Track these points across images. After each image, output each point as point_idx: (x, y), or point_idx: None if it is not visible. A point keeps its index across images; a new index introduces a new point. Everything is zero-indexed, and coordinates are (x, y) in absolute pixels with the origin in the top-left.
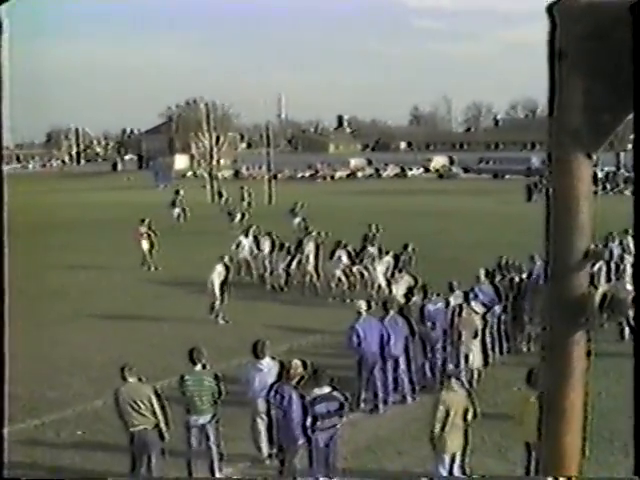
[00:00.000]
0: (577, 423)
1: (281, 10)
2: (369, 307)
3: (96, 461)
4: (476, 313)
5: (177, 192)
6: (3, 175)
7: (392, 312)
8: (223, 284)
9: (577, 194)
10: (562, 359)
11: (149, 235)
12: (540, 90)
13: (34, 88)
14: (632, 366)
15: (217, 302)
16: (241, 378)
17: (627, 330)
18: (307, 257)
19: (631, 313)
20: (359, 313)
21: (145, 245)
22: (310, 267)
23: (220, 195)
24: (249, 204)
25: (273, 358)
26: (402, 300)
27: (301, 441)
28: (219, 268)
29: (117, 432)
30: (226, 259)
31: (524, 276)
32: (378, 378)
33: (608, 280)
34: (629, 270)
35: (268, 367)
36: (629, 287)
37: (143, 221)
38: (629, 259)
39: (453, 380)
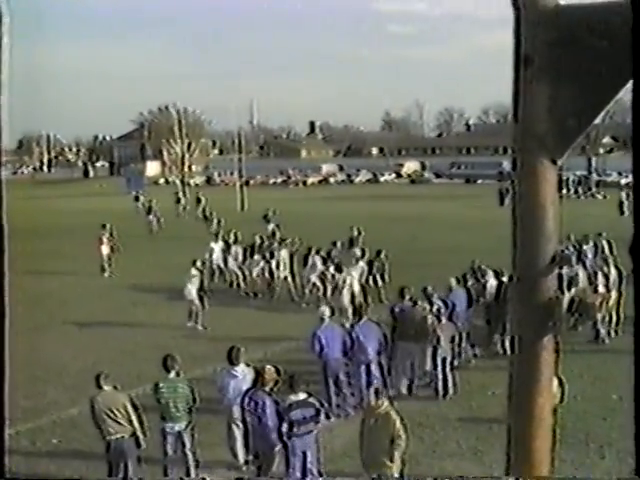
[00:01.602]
0: (546, 427)
1: (251, 16)
2: (332, 313)
3: (72, 469)
4: (446, 319)
5: (137, 199)
6: (2, 180)
7: (365, 317)
8: (200, 290)
9: (543, 200)
10: (530, 364)
11: (110, 241)
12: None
13: (3, 93)
14: (607, 369)
15: (194, 308)
16: (216, 385)
17: (602, 332)
18: (278, 263)
19: (599, 317)
20: (322, 319)
21: (105, 251)
22: (283, 274)
23: (178, 201)
24: (204, 210)
25: (248, 365)
26: (349, 307)
27: (277, 447)
28: (193, 274)
29: (93, 440)
30: (198, 264)
31: (504, 279)
32: (345, 383)
33: (590, 284)
34: (609, 272)
35: (243, 374)
36: (601, 290)
37: (104, 227)
38: (602, 262)
39: (382, 397)
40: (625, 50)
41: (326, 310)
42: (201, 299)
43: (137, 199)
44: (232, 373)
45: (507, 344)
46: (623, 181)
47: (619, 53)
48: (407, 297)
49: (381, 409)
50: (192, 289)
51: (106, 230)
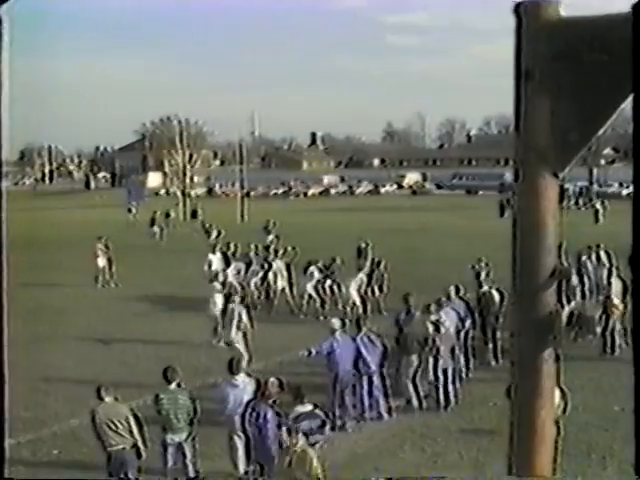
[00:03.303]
0: (548, 439)
1: (254, 28)
2: (343, 325)
3: None
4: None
5: (130, 210)
6: (2, 191)
7: (365, 329)
8: (224, 306)
9: (543, 213)
10: (532, 376)
11: (106, 252)
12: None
13: (5, 105)
14: (608, 380)
15: (219, 325)
16: (217, 396)
17: (609, 343)
18: (276, 275)
19: (599, 330)
20: (333, 331)
21: (101, 262)
22: (280, 285)
23: (167, 215)
24: (202, 221)
25: (249, 375)
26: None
27: (277, 458)
28: (217, 289)
29: (93, 451)
30: (221, 279)
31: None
32: (349, 396)
33: (584, 296)
34: (610, 283)
35: (243, 383)
36: (616, 300)
37: (100, 238)
38: (605, 273)
39: (297, 436)
40: (626, 64)
41: (337, 322)
42: (224, 316)
43: (129, 211)
44: (233, 383)
45: (497, 354)
46: (624, 192)
47: (621, 67)
48: (411, 303)
49: (297, 447)
50: (216, 305)
51: (101, 242)
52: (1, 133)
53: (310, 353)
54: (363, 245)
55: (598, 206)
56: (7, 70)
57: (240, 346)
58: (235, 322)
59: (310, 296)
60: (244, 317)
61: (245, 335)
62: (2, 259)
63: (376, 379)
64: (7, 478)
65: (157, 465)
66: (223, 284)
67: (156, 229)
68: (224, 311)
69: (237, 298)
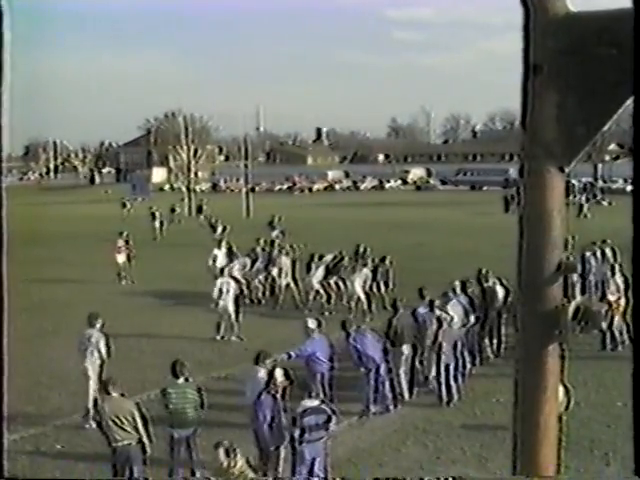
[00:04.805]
0: (552, 436)
1: (258, 23)
2: (319, 325)
3: (76, 474)
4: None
5: (124, 205)
6: (2, 186)
7: (354, 327)
8: (237, 300)
9: (549, 208)
10: (536, 372)
11: (127, 248)
12: (518, 102)
13: (10, 100)
14: (611, 376)
15: (226, 321)
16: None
17: (608, 339)
18: (280, 270)
19: (604, 325)
20: (310, 333)
21: (121, 258)
22: (284, 281)
23: (173, 210)
24: (206, 217)
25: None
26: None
27: (272, 447)
28: (231, 284)
29: (97, 445)
30: (235, 273)
31: (489, 284)
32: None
33: (584, 292)
34: (611, 280)
35: (262, 374)
36: (611, 297)
37: (121, 234)
38: (607, 269)
39: (235, 456)
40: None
41: (311, 322)
42: (237, 310)
43: (124, 205)
44: (252, 375)
45: (495, 348)
46: (629, 188)
47: (628, 61)
48: (427, 299)
49: (235, 469)
50: (229, 300)
51: (122, 237)
52: (2, 128)
53: (290, 356)
54: (361, 249)
55: (582, 201)
56: (10, 65)
57: (92, 376)
58: (90, 350)
59: (317, 291)
60: (102, 345)
61: (101, 366)
62: (2, 255)
63: (383, 372)
64: (7, 477)
65: (163, 460)
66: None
67: (157, 224)
68: (237, 307)
69: (98, 324)
